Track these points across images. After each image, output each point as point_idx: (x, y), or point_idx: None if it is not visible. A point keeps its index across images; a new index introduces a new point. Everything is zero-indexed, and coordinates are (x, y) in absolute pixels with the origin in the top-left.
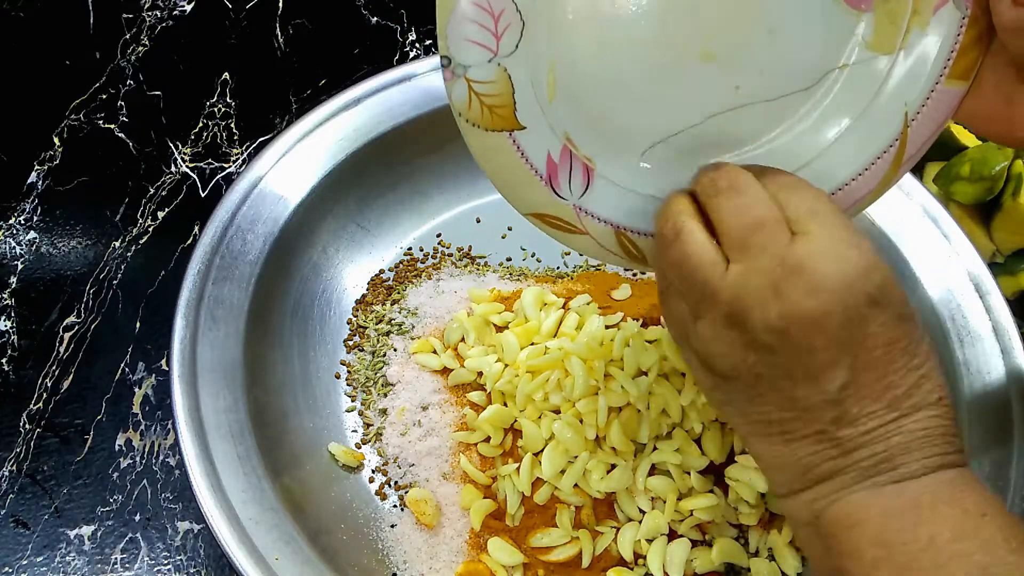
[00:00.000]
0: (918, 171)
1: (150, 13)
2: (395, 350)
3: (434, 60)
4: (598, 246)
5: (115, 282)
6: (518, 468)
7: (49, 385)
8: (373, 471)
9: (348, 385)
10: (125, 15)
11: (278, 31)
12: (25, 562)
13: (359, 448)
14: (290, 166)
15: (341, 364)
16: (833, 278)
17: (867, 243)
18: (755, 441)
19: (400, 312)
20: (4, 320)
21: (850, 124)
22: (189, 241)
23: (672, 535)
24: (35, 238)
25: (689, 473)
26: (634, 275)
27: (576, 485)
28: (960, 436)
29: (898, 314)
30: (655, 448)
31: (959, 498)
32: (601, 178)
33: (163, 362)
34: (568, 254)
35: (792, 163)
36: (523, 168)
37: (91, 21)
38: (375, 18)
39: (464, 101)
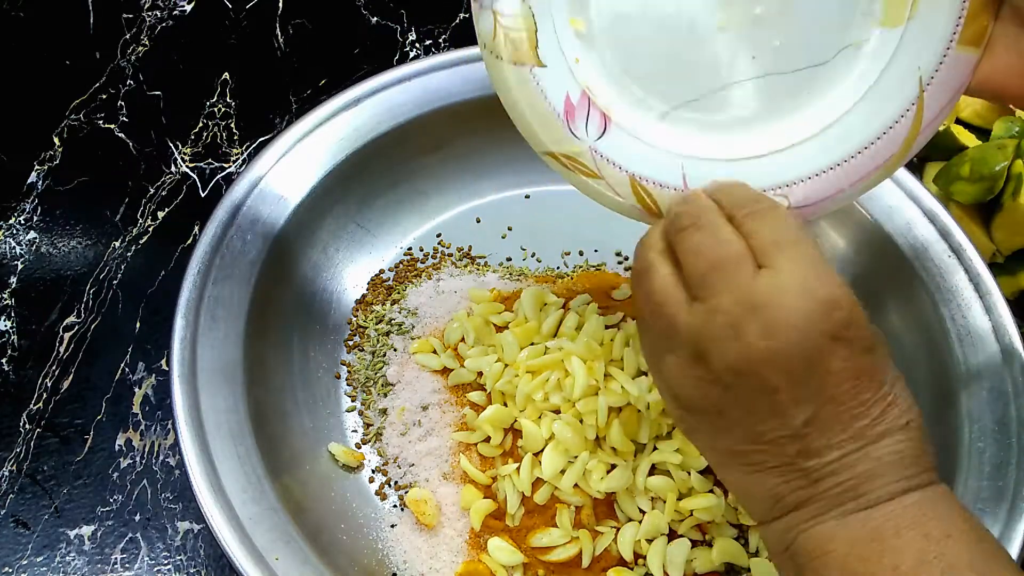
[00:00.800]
0: (918, 171)
1: (150, 13)
2: (395, 350)
3: (434, 60)
4: (613, 193)
5: (115, 282)
6: (518, 468)
7: (49, 385)
8: (373, 471)
9: (348, 385)
10: (125, 15)
11: (278, 31)
12: (25, 562)
13: (359, 448)
14: (290, 166)
15: (341, 364)
16: (794, 316)
17: (833, 276)
18: (724, 471)
19: (400, 312)
20: (4, 320)
21: (866, 92)
22: (189, 241)
23: (672, 535)
24: (35, 238)
25: (689, 473)
26: None
27: (576, 485)
28: (931, 454)
29: (864, 347)
30: (655, 448)
31: (922, 523)
32: (618, 127)
33: (163, 362)
34: (568, 254)
35: (810, 130)
36: (541, 103)
37: (91, 21)
38: (375, 18)
39: (489, 32)
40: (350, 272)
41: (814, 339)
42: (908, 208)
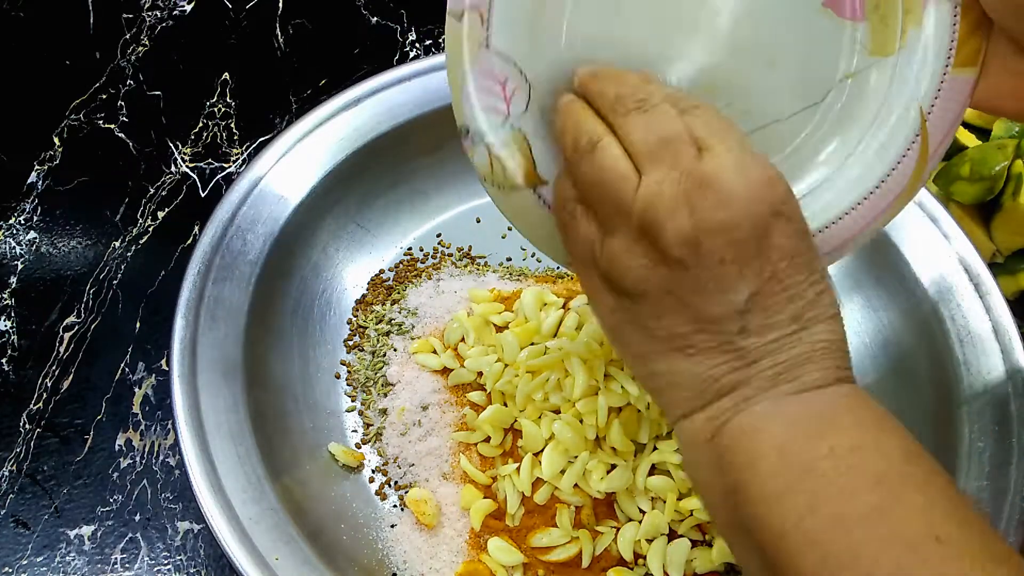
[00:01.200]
0: None
1: (150, 13)
2: (395, 350)
3: (434, 60)
4: None
5: (115, 282)
6: (518, 468)
7: (49, 385)
8: (373, 471)
9: (348, 385)
10: (125, 15)
11: (278, 31)
12: (25, 562)
13: (359, 448)
14: (290, 166)
15: (341, 364)
16: (740, 190)
17: (766, 159)
18: (655, 359)
19: (400, 312)
20: (4, 320)
21: (868, 128)
22: (189, 241)
23: (672, 535)
24: (35, 238)
25: None
26: None
27: (576, 485)
28: (848, 354)
29: (798, 229)
30: (655, 448)
31: (858, 411)
32: None
33: (163, 362)
34: None
35: (816, 176)
36: (552, 220)
37: (91, 21)
38: (375, 18)
39: (486, 166)
40: (350, 272)
41: (759, 211)
42: (908, 208)
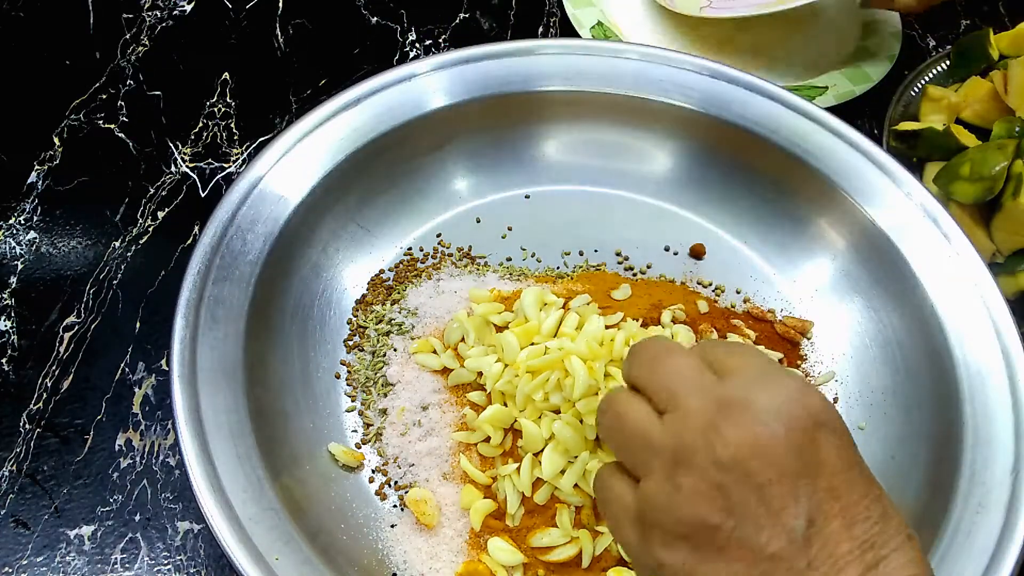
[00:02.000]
0: (918, 171)
1: (150, 13)
2: (395, 350)
3: (434, 60)
4: None
5: (115, 282)
6: (518, 468)
7: (49, 385)
8: (373, 471)
9: (348, 385)
10: (125, 15)
11: (278, 31)
12: (25, 562)
13: (359, 448)
14: (290, 166)
15: (341, 364)
16: (769, 401)
17: (796, 373)
18: None
19: (400, 312)
20: (4, 320)
21: None
22: (189, 241)
23: None
24: (35, 238)
25: None
26: (634, 275)
27: (576, 485)
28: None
29: (846, 442)
30: None
31: None
32: None
33: (163, 362)
34: (568, 254)
35: None
36: None
37: (91, 21)
38: (375, 18)
39: None
40: (350, 272)
41: (798, 423)
42: (908, 208)
